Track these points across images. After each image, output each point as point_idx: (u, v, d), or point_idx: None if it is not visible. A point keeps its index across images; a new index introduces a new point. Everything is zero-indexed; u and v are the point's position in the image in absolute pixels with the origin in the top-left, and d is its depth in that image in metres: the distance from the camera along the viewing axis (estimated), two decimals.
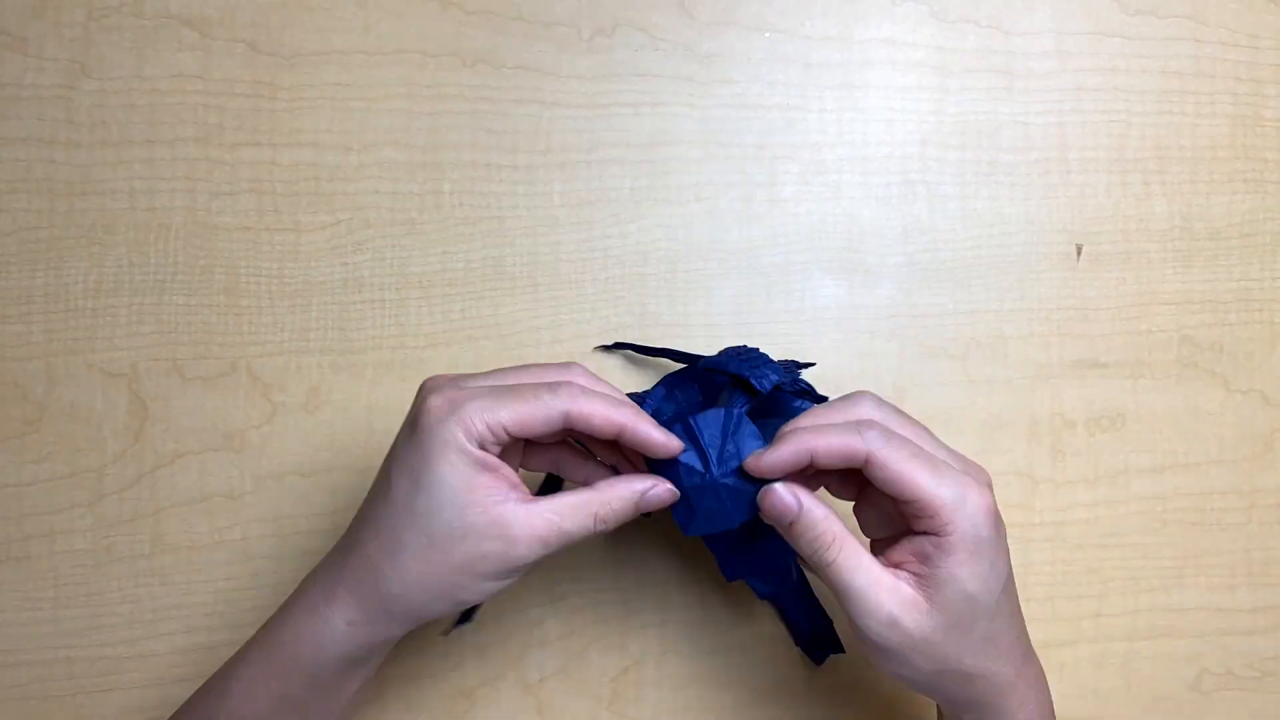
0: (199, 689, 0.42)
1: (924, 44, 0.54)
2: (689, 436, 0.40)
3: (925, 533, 0.38)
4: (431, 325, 0.52)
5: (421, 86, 0.53)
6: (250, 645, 0.41)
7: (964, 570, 0.37)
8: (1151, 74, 0.55)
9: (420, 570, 0.37)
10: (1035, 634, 0.52)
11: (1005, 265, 0.54)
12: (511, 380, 0.39)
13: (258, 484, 0.51)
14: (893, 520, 0.41)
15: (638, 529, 0.51)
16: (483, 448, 0.37)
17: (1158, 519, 0.53)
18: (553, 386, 0.38)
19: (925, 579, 0.38)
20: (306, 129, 0.52)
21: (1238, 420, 0.54)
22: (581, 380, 0.40)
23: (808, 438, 0.38)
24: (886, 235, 0.54)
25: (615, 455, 0.43)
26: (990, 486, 0.39)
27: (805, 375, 0.50)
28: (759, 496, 0.39)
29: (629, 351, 0.52)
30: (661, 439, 0.39)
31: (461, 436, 0.37)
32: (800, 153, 0.54)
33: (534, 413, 0.37)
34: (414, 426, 0.38)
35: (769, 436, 0.40)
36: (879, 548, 0.41)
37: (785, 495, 0.38)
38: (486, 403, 0.37)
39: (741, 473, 0.40)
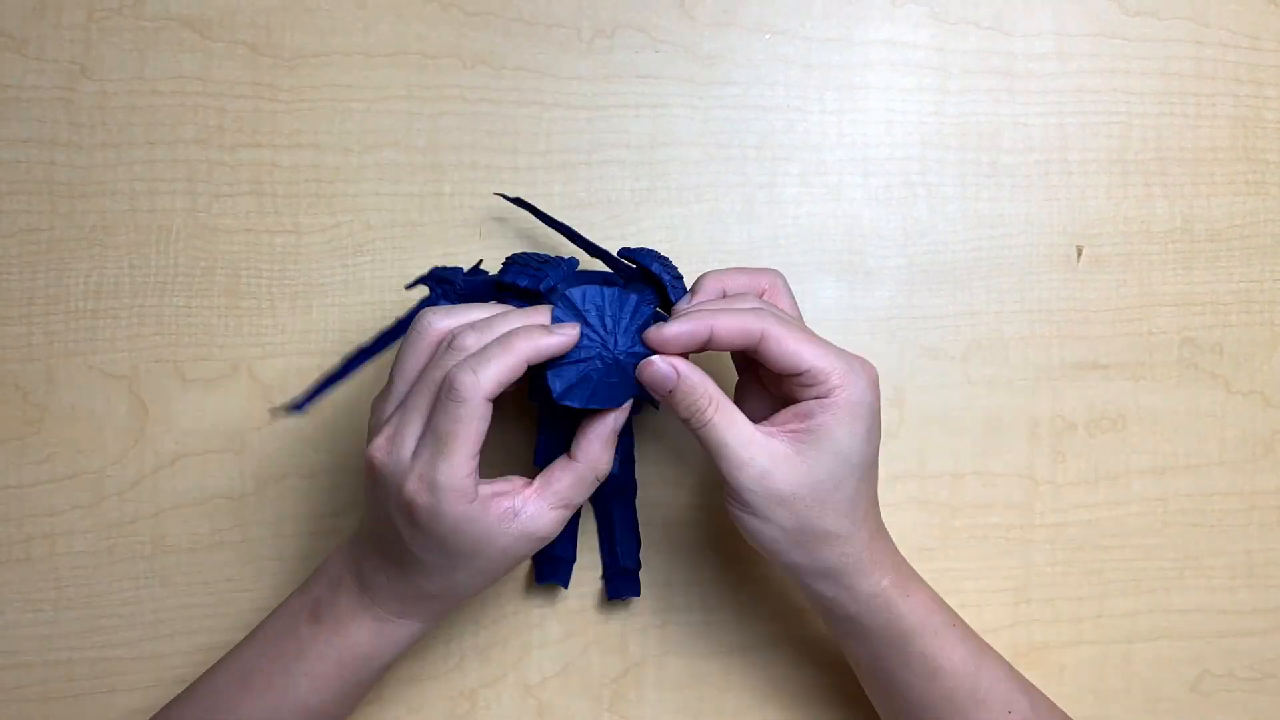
0: (207, 688, 0.44)
1: (924, 45, 0.54)
2: (575, 307, 0.41)
3: (813, 398, 0.40)
4: None
5: (421, 88, 0.53)
6: (307, 646, 0.43)
7: (843, 428, 0.40)
8: (1152, 75, 0.55)
9: (481, 582, 0.42)
10: (1035, 635, 0.53)
11: (1006, 267, 0.54)
12: (419, 382, 0.40)
13: (259, 485, 0.51)
14: (773, 403, 0.43)
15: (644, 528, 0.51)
16: (476, 486, 0.39)
17: (1158, 520, 0.53)
18: (458, 372, 0.38)
19: (802, 434, 0.40)
20: (307, 130, 0.52)
21: (1238, 422, 0.54)
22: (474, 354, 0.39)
23: (709, 316, 0.40)
24: (887, 236, 0.54)
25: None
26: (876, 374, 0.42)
27: None
28: (637, 369, 0.41)
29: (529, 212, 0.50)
30: (559, 340, 0.40)
31: (460, 506, 0.39)
32: (801, 154, 0.54)
33: (483, 423, 0.38)
34: (410, 517, 0.39)
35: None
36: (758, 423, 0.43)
37: (662, 365, 0.40)
38: (453, 457, 0.38)
39: (634, 352, 0.41)
